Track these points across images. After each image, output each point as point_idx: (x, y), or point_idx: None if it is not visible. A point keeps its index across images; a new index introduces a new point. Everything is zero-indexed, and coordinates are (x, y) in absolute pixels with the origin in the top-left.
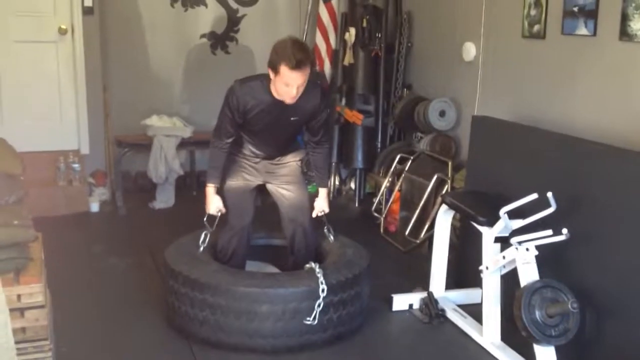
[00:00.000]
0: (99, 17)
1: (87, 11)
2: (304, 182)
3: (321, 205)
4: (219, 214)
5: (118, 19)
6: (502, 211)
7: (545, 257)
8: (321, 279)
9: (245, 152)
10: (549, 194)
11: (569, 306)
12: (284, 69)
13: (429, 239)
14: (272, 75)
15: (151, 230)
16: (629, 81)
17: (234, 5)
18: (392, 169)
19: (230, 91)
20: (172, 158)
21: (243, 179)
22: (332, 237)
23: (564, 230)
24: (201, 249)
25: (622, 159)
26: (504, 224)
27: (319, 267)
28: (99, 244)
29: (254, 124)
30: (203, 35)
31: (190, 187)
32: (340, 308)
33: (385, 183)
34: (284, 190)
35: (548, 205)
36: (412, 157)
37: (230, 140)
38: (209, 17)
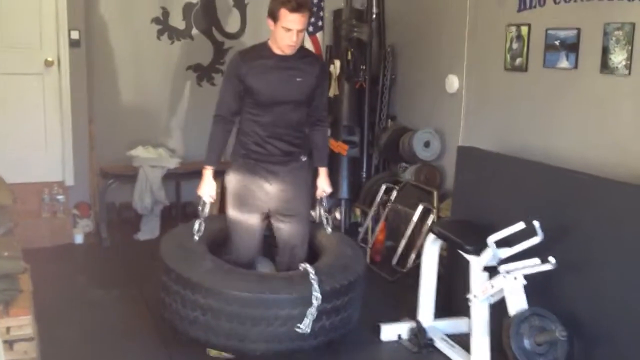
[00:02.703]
0: (85, 50)
1: (73, 44)
2: (309, 208)
3: (323, 185)
4: (211, 200)
5: (104, 51)
6: (490, 240)
7: (534, 286)
8: (315, 285)
9: (253, 146)
10: (536, 223)
11: (557, 334)
12: (283, 12)
13: (416, 268)
14: (271, 25)
15: (136, 261)
16: (609, 113)
17: (220, 38)
18: (377, 199)
19: (233, 59)
20: (157, 189)
21: (250, 207)
22: (329, 229)
23: (551, 259)
24: (196, 237)
25: (606, 189)
26: (492, 253)
27: (314, 271)
28: (84, 276)
29: (259, 90)
30: (189, 67)
31: (175, 217)
32: (332, 315)
33: (371, 213)
34: (287, 222)
35: (535, 234)
36: (397, 187)
37: (231, 117)
38: (195, 49)
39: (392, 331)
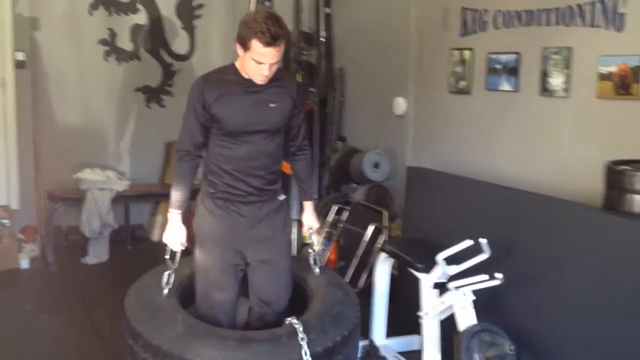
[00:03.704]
0: (31, 71)
1: (19, 65)
2: (289, 260)
3: (310, 221)
4: (182, 248)
5: (51, 72)
6: (439, 257)
7: (482, 302)
8: (305, 348)
9: (222, 186)
10: (483, 241)
11: (506, 349)
12: (256, 45)
13: (368, 287)
14: (240, 51)
15: (84, 286)
16: (549, 133)
17: (168, 60)
18: (329, 220)
19: (195, 84)
20: (106, 212)
21: (225, 243)
22: (317, 270)
23: (498, 275)
24: (165, 291)
25: (547, 206)
26: (442, 270)
27: (301, 328)
28: (30, 302)
29: (227, 120)
30: (137, 89)
31: (124, 241)
32: None
33: (323, 234)
34: (263, 269)
35: (482, 251)
36: (348, 208)
37: (197, 151)
38: (143, 70)
39: None
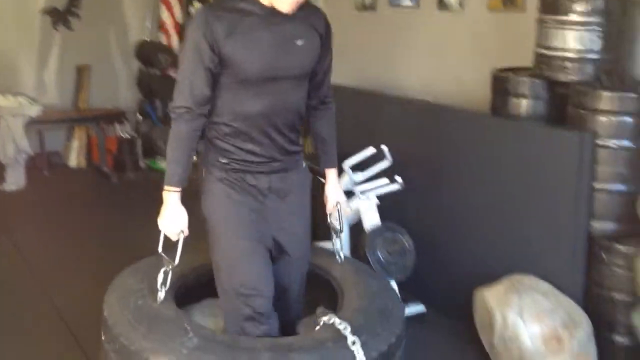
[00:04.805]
0: None
1: None
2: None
3: (335, 195)
4: (182, 237)
5: None
6: (346, 165)
7: (387, 206)
8: (360, 356)
9: (237, 151)
10: (384, 148)
11: (406, 245)
12: None
13: None
14: None
15: (3, 212)
16: (447, 46)
17: None
18: None
19: (197, 16)
20: (20, 138)
21: (254, 230)
22: (342, 255)
23: (398, 179)
24: (161, 294)
25: (444, 115)
26: (348, 177)
27: (349, 329)
28: None
29: (243, 64)
30: (44, 11)
31: (40, 168)
32: None
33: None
34: (285, 257)
35: (385, 158)
36: None
37: (200, 108)
38: None
39: None
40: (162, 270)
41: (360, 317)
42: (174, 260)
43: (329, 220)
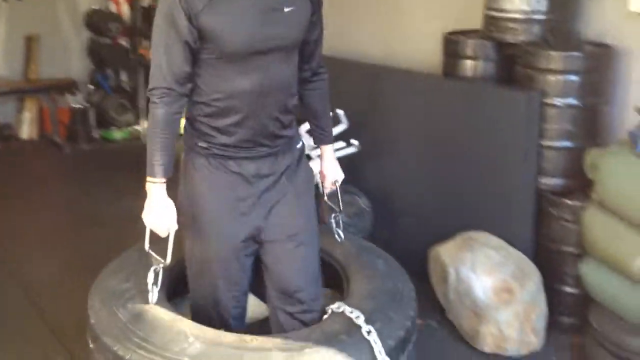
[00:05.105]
0: None
1: None
2: (317, 224)
3: (333, 172)
4: (172, 232)
5: None
6: (302, 129)
7: (344, 168)
8: (378, 345)
9: (219, 135)
10: (340, 112)
11: (363, 206)
12: None
13: None
14: None
15: None
16: (403, 10)
17: None
18: None
19: None
20: None
21: (229, 228)
22: (341, 234)
23: (354, 142)
24: (153, 297)
25: (399, 78)
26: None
27: (363, 317)
28: None
29: (226, 36)
30: None
31: None
32: None
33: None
34: (285, 249)
35: (340, 122)
36: None
37: (181, 87)
38: None
39: None
40: (152, 269)
41: (371, 302)
42: (164, 258)
43: (325, 198)
